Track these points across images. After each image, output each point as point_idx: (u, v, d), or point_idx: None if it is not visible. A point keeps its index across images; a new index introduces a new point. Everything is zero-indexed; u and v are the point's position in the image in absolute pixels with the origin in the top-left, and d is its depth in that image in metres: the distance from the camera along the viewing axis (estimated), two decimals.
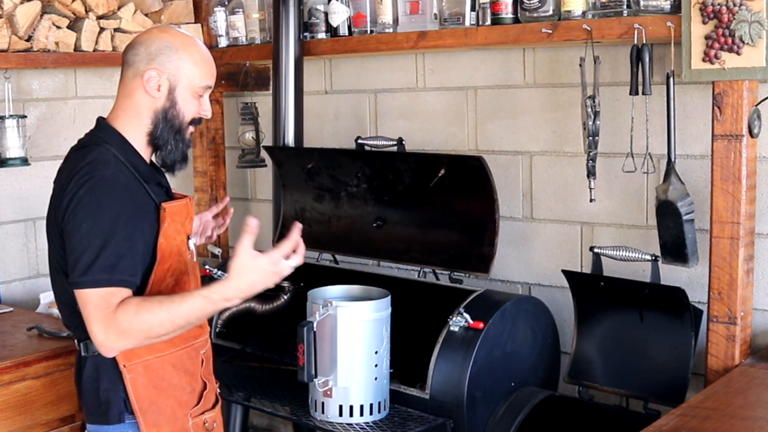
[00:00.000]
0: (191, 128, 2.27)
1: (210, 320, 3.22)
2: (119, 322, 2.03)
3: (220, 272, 3.27)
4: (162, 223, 2.16)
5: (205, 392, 2.28)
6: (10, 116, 3.28)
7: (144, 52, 2.20)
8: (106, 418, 2.19)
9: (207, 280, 3.26)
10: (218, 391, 2.41)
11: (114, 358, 2.14)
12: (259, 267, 2.09)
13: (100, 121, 2.27)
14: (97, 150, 2.17)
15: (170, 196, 2.30)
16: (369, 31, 3.21)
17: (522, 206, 3.16)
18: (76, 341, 2.23)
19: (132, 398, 2.16)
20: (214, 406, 2.33)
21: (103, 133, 2.22)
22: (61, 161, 2.27)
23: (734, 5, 2.35)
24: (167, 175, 2.35)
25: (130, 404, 2.16)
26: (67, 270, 2.09)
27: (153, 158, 2.28)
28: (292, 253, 2.13)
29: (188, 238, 2.27)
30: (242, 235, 2.12)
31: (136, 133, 2.22)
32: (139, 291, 2.12)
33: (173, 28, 2.32)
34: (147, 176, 2.20)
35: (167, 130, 2.22)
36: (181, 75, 2.21)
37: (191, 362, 2.27)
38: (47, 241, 2.23)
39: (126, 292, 2.07)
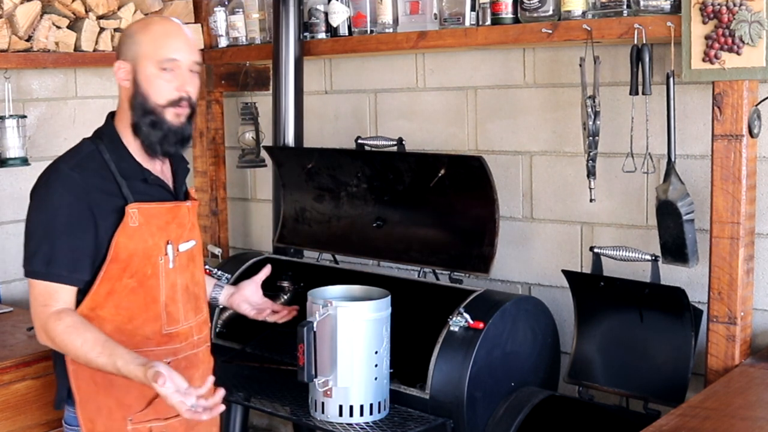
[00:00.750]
0: (173, 109, 2.22)
1: (210, 318, 3.22)
2: (48, 328, 2.13)
3: (219, 272, 3.27)
4: (126, 221, 2.16)
5: (155, 399, 2.19)
6: (10, 116, 3.28)
7: (117, 47, 2.30)
8: (55, 403, 2.33)
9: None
10: None
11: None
12: (176, 397, 2.01)
13: (108, 116, 2.33)
14: (83, 142, 2.26)
15: (173, 194, 2.31)
16: (369, 31, 3.21)
17: (522, 206, 3.16)
18: None
19: (73, 388, 2.21)
20: (168, 418, 2.24)
21: (104, 126, 2.30)
22: None
23: (734, 5, 2.35)
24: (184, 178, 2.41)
25: (71, 393, 2.22)
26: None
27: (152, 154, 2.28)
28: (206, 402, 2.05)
29: (168, 244, 2.24)
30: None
31: (126, 127, 2.25)
32: (88, 286, 2.17)
33: (145, 18, 2.35)
34: (129, 172, 2.21)
35: (140, 115, 2.21)
36: (138, 57, 2.21)
37: None
38: None
39: (66, 290, 2.14)
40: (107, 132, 2.26)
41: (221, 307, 3.08)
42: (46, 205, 2.15)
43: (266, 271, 2.70)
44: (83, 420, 2.22)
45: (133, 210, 2.17)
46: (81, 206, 2.14)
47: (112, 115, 2.31)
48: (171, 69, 2.20)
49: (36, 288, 2.15)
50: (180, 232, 2.29)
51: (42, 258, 2.14)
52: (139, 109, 2.21)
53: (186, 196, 2.41)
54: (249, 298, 2.68)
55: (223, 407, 2.07)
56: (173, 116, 2.22)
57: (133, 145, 2.25)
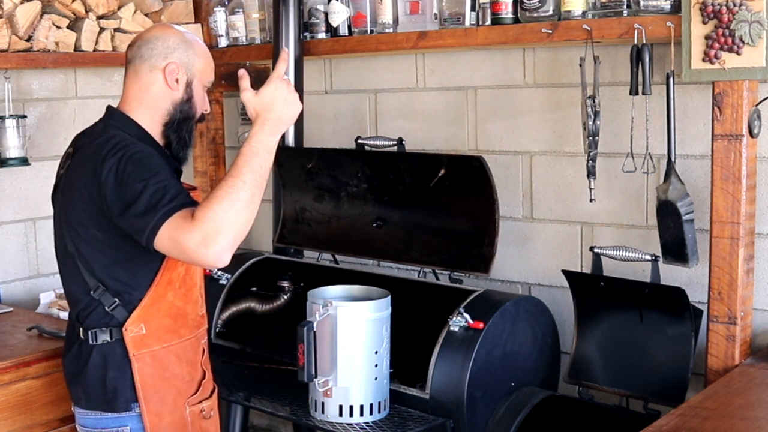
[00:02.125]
0: (198, 123, 2.39)
1: (210, 322, 3.22)
2: (204, 221, 1.97)
3: (219, 272, 3.28)
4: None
5: (203, 381, 2.35)
6: (10, 116, 3.28)
7: (161, 46, 2.27)
8: (112, 406, 2.24)
9: (206, 279, 3.28)
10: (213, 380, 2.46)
11: (124, 348, 2.20)
12: (285, 94, 2.17)
13: (113, 110, 2.30)
14: (120, 135, 2.18)
15: None
16: (369, 31, 3.21)
17: (522, 206, 3.16)
18: (81, 330, 2.25)
19: (138, 387, 2.22)
20: (211, 395, 2.39)
21: (120, 122, 2.25)
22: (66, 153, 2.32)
23: (734, 5, 2.35)
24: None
25: (136, 393, 2.22)
26: (138, 234, 2.03)
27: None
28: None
29: None
30: (279, 64, 2.20)
31: (152, 123, 2.27)
32: (152, 275, 2.20)
33: (177, 26, 2.39)
34: (167, 160, 2.25)
35: (181, 122, 2.30)
36: (195, 69, 2.31)
37: (194, 352, 2.34)
38: (55, 233, 2.29)
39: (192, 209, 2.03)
40: (132, 128, 2.23)
41: (218, 309, 3.09)
42: (147, 172, 2.06)
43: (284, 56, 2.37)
44: (150, 416, 2.23)
45: (193, 192, 2.24)
46: (170, 170, 2.16)
47: (114, 110, 2.28)
48: (208, 89, 2.39)
49: (170, 226, 1.99)
50: None
51: (166, 200, 2.02)
52: (182, 115, 2.29)
53: None
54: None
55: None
56: (195, 129, 2.38)
57: (161, 142, 2.30)
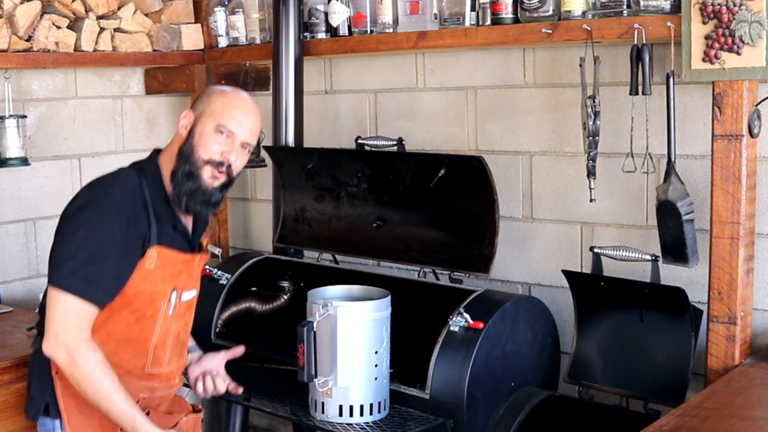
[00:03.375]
0: (212, 169, 2.26)
1: (210, 322, 3.22)
2: (77, 352, 2.13)
3: (219, 272, 3.28)
4: (144, 261, 2.21)
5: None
6: (10, 116, 3.28)
7: None
8: (27, 412, 2.33)
9: (206, 279, 3.28)
10: (184, 417, 2.42)
11: (48, 364, 2.22)
12: None
13: (153, 152, 2.36)
14: (125, 171, 2.28)
15: (192, 246, 2.36)
16: (369, 31, 3.21)
17: (522, 206, 3.16)
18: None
19: (59, 401, 2.24)
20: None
21: (146, 162, 2.33)
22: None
23: (734, 5, 2.35)
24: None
25: (56, 407, 2.25)
26: (49, 267, 2.19)
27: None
28: None
29: (173, 290, 2.30)
30: None
31: (168, 171, 2.29)
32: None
33: (231, 88, 2.40)
34: (161, 215, 2.26)
35: (182, 162, 2.27)
36: (204, 112, 2.29)
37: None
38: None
39: (93, 311, 2.16)
40: (150, 170, 2.30)
41: (218, 309, 3.11)
42: (99, 225, 2.15)
43: (239, 351, 2.62)
44: (71, 429, 2.26)
45: (153, 252, 2.22)
46: (131, 234, 2.18)
47: (156, 152, 2.35)
48: (226, 135, 2.26)
49: (69, 304, 2.13)
50: (186, 282, 2.36)
51: (84, 276, 2.13)
52: (183, 157, 2.26)
53: (200, 248, 2.45)
54: (206, 365, 2.59)
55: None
56: (209, 176, 2.27)
57: (170, 189, 2.29)
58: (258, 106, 2.38)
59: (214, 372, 2.56)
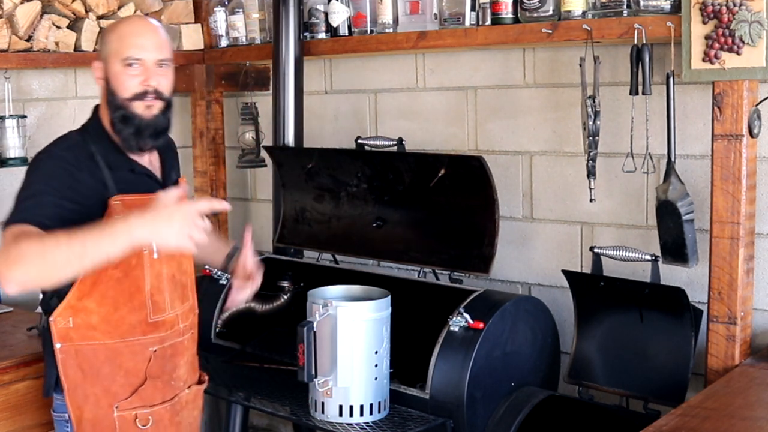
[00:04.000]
0: (141, 102, 2.26)
1: (210, 322, 3.22)
2: (19, 247, 2.00)
3: (219, 272, 3.27)
4: (110, 213, 2.20)
5: (141, 388, 2.30)
6: (10, 116, 3.28)
7: None
8: (44, 391, 2.36)
9: (206, 280, 3.29)
10: (186, 389, 2.42)
11: (51, 339, 2.23)
12: (174, 211, 1.98)
13: (94, 108, 2.38)
14: (69, 134, 2.32)
15: (161, 182, 2.35)
16: (369, 31, 3.21)
17: (522, 206, 3.16)
18: None
19: (61, 376, 2.25)
20: (160, 404, 2.33)
21: (89, 120, 2.35)
22: None
23: (734, 5, 2.35)
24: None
25: (60, 382, 2.26)
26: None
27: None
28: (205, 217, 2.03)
29: None
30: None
31: (108, 120, 2.31)
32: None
33: (120, 18, 2.42)
34: (114, 163, 2.26)
35: (112, 111, 2.28)
36: (108, 54, 2.29)
37: (131, 357, 2.29)
38: None
39: (37, 229, 2.07)
40: (92, 125, 2.32)
41: (218, 309, 3.09)
42: (37, 175, 2.19)
43: (249, 234, 2.48)
44: (72, 407, 2.27)
45: (116, 202, 2.21)
46: (75, 179, 2.18)
47: (96, 108, 2.37)
48: (135, 65, 2.26)
49: (7, 234, 2.07)
50: None
51: (21, 210, 2.12)
52: (112, 106, 2.28)
53: (176, 185, 2.41)
54: (244, 264, 2.49)
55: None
56: (143, 109, 2.27)
57: (117, 138, 2.30)
58: (154, 25, 2.35)
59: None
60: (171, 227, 1.96)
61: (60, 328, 2.23)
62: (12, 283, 2.01)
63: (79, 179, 2.19)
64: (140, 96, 2.26)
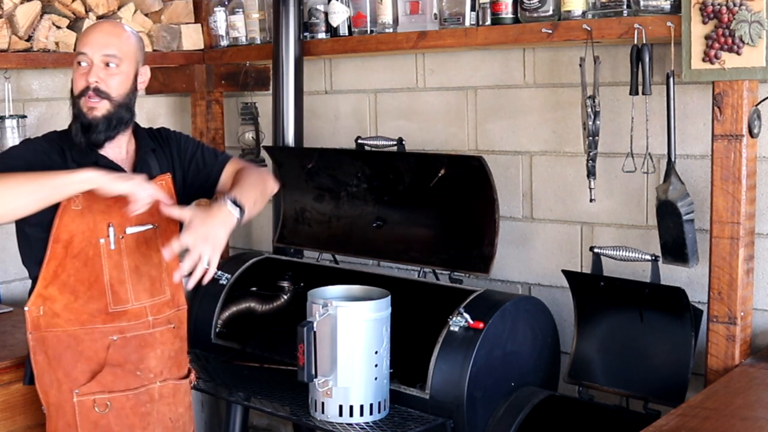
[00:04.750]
0: (84, 100, 2.31)
1: (210, 322, 3.22)
2: None
3: (219, 272, 3.27)
4: (68, 203, 2.28)
5: (99, 374, 2.35)
6: (10, 116, 3.28)
7: None
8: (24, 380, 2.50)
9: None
10: (158, 382, 2.44)
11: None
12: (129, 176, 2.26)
13: None
14: (50, 132, 2.45)
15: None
16: (369, 31, 3.21)
17: (522, 206, 3.16)
18: None
19: (31, 363, 2.38)
20: (120, 391, 2.37)
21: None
22: None
23: (734, 5, 2.35)
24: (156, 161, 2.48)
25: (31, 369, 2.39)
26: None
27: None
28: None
29: (109, 226, 2.33)
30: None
31: None
32: (39, 268, 2.33)
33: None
34: (80, 158, 2.33)
35: (71, 105, 2.36)
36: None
37: (91, 344, 2.35)
38: None
39: None
40: (67, 127, 2.40)
41: (218, 309, 3.09)
42: (12, 149, 2.40)
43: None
44: (40, 392, 2.39)
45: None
46: (45, 155, 2.30)
47: None
48: (84, 62, 2.31)
49: None
50: (127, 216, 2.33)
51: None
52: (71, 103, 2.36)
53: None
54: None
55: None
56: (86, 108, 2.32)
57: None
58: (115, 25, 2.45)
59: None
60: (122, 180, 2.20)
61: (33, 318, 2.35)
62: None
63: (46, 160, 2.29)
64: (82, 92, 2.32)
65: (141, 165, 2.44)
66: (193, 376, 2.60)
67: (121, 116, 2.35)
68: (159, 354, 2.44)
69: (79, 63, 2.32)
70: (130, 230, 2.37)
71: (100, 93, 2.31)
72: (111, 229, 2.34)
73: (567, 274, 2.80)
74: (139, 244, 2.40)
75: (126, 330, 2.38)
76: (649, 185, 2.84)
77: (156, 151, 2.50)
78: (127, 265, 2.38)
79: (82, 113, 2.32)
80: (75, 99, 2.33)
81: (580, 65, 2.70)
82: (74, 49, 2.42)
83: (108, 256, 2.35)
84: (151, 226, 2.41)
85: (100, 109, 2.31)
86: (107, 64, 2.31)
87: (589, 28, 2.63)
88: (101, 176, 2.19)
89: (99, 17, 3.35)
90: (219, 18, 3.66)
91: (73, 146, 2.34)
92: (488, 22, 2.86)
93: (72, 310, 2.34)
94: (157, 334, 2.44)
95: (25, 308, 2.36)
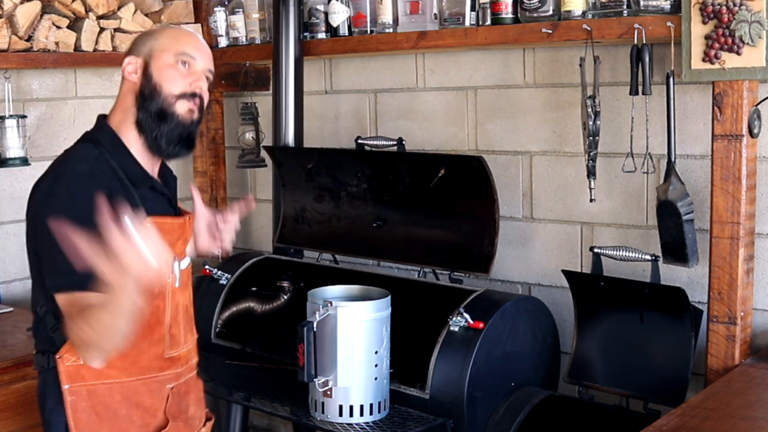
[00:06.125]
0: (186, 103, 2.09)
1: (210, 322, 3.22)
2: (86, 334, 1.85)
3: (219, 272, 3.28)
4: None
5: (164, 430, 2.10)
6: (10, 116, 3.28)
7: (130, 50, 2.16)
8: None
9: (206, 280, 3.29)
10: (202, 428, 2.25)
11: (58, 379, 1.99)
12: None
13: (99, 119, 2.16)
14: (82, 146, 2.07)
15: (173, 206, 2.18)
16: (369, 31, 3.21)
17: (522, 206, 3.16)
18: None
19: (70, 422, 2.00)
20: None
21: (99, 131, 2.11)
22: None
23: (734, 5, 2.35)
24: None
25: (69, 429, 2.01)
26: (43, 272, 1.94)
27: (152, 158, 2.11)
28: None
29: (174, 261, 2.03)
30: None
31: (129, 128, 2.08)
32: None
33: (158, 26, 2.26)
34: (137, 179, 2.06)
35: (148, 106, 2.06)
36: (153, 50, 2.09)
37: (149, 395, 2.08)
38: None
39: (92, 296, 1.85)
40: (107, 136, 2.08)
41: (218, 309, 3.07)
42: (74, 205, 1.89)
43: (195, 192, 2.31)
44: None
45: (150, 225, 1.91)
46: (115, 203, 1.85)
47: (103, 117, 2.15)
48: (188, 64, 2.10)
49: (67, 303, 1.87)
50: (182, 248, 2.18)
51: (66, 271, 1.82)
52: (148, 100, 2.07)
53: (179, 210, 2.25)
54: (203, 233, 2.33)
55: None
56: (185, 111, 2.10)
57: (135, 148, 2.08)
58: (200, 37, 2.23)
59: (221, 228, 2.35)
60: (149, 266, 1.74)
61: (68, 366, 1.98)
62: (90, 360, 1.93)
63: (116, 200, 1.89)
64: (188, 96, 2.09)
65: (172, 192, 2.22)
66: (212, 415, 2.37)
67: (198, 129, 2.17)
68: (194, 399, 2.22)
69: (183, 63, 2.08)
70: (182, 264, 2.15)
71: (201, 101, 2.13)
72: (176, 264, 2.05)
73: (567, 274, 2.80)
74: (187, 279, 2.19)
75: (180, 376, 2.14)
76: (649, 185, 2.84)
77: (174, 177, 2.29)
78: (182, 304, 2.14)
79: (178, 115, 2.07)
80: (170, 97, 2.06)
81: (580, 65, 2.70)
82: (145, 43, 2.12)
83: (172, 296, 2.07)
84: (189, 260, 2.24)
85: (197, 115, 2.13)
86: (207, 78, 2.14)
87: (589, 28, 2.63)
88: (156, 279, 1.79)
89: (99, 17, 3.35)
90: (219, 18, 3.66)
91: (126, 163, 2.04)
92: (488, 22, 2.86)
93: (128, 357, 2.00)
94: (193, 377, 2.23)
95: (57, 356, 1.98)
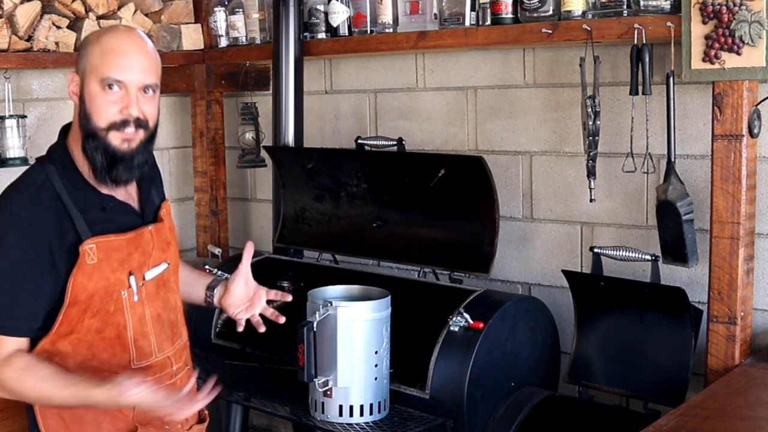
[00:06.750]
0: (118, 133, 1.97)
1: (210, 322, 3.22)
2: (16, 390, 1.94)
3: (219, 272, 3.27)
4: (83, 259, 1.94)
5: None
6: (10, 116, 3.28)
7: None
8: None
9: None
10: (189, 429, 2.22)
11: None
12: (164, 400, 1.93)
13: (60, 132, 2.11)
14: (34, 169, 2.04)
15: (141, 214, 2.10)
16: (369, 31, 3.21)
17: (522, 206, 3.16)
18: None
19: (40, 426, 2.02)
20: None
21: (55, 149, 2.07)
22: None
23: (734, 5, 2.35)
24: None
25: None
26: None
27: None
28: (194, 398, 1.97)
29: (130, 275, 2.02)
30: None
31: (78, 147, 2.02)
32: (45, 331, 1.97)
33: (106, 27, 2.13)
34: (84, 202, 1.99)
35: (85, 136, 1.98)
36: (86, 70, 1.97)
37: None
38: None
39: (17, 342, 1.94)
40: (58, 154, 2.03)
41: (218, 309, 3.07)
42: (3, 253, 1.92)
43: (249, 250, 2.26)
44: None
45: (89, 246, 1.95)
46: (38, 252, 1.93)
47: (65, 129, 2.09)
48: (117, 88, 1.96)
49: None
50: (144, 260, 2.07)
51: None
52: (84, 130, 1.98)
53: (155, 216, 2.16)
54: (238, 295, 2.29)
55: (206, 400, 1.98)
56: (119, 141, 1.97)
57: (86, 168, 2.01)
58: (144, 42, 2.02)
59: (255, 302, 2.30)
60: (168, 403, 1.93)
61: None
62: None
63: (50, 244, 1.93)
64: (118, 126, 1.96)
65: (146, 200, 2.14)
66: (207, 415, 2.33)
67: (151, 149, 2.05)
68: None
69: (109, 87, 1.95)
70: (149, 275, 2.08)
71: (140, 123, 1.98)
72: (132, 278, 2.02)
73: (567, 274, 2.80)
74: (159, 287, 2.12)
75: (155, 383, 2.04)
76: (649, 185, 2.84)
77: (152, 179, 2.20)
78: (150, 315, 2.08)
79: (114, 148, 1.96)
80: (99, 130, 1.96)
81: (580, 65, 2.70)
82: (82, 57, 2.00)
83: (131, 309, 2.03)
84: (165, 265, 2.14)
85: (138, 141, 1.99)
86: (145, 91, 1.99)
87: (589, 28, 2.63)
88: (148, 397, 1.89)
89: (99, 17, 3.35)
90: (219, 18, 3.66)
91: (74, 184, 1.99)
92: (488, 22, 2.86)
93: (89, 368, 2.00)
94: (178, 381, 2.17)
95: None
